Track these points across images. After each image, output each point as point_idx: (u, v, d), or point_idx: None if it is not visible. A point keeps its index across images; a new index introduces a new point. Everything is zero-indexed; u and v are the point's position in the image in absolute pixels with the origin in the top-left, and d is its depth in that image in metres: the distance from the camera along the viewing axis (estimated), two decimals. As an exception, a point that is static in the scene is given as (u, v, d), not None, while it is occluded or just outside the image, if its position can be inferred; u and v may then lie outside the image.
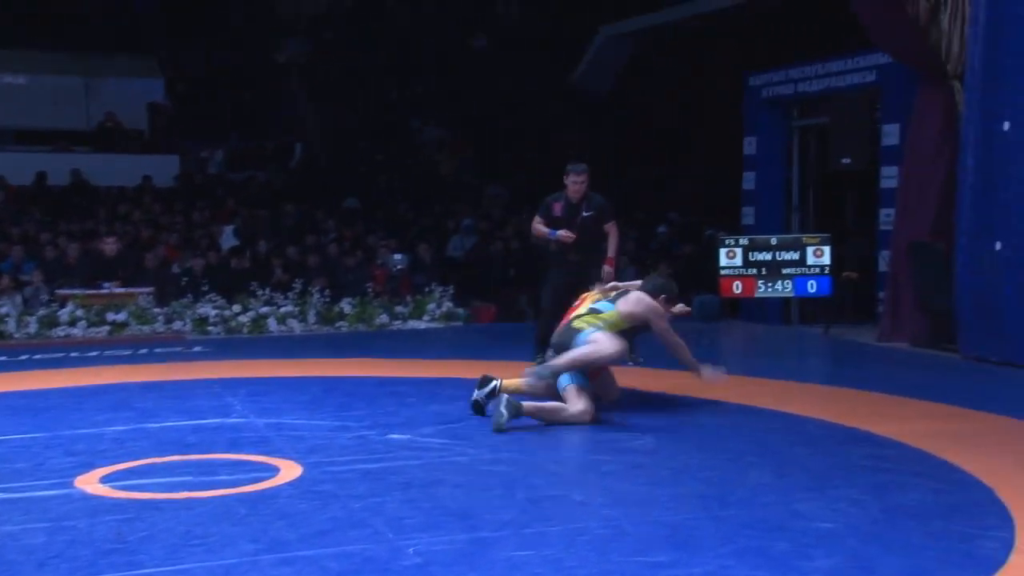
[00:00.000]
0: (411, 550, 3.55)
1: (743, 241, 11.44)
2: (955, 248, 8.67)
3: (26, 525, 3.85)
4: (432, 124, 18.66)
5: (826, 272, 11.01)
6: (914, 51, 9.38)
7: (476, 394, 5.94)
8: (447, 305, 11.40)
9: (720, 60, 17.33)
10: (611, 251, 7.73)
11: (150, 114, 17.65)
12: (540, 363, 6.73)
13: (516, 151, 18.11)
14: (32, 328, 10.25)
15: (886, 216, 10.37)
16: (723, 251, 11.48)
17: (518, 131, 19.03)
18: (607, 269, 7.55)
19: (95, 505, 4.15)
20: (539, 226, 7.74)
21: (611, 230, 7.74)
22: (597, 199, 7.67)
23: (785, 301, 11.71)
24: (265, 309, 10.86)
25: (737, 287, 11.38)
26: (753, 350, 10.24)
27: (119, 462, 4.90)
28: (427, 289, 11.66)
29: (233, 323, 10.74)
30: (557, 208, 7.66)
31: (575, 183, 7.56)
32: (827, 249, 11.00)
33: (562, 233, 7.54)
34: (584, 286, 6.92)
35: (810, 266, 11.04)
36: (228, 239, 13.44)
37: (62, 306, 10.53)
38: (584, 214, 7.61)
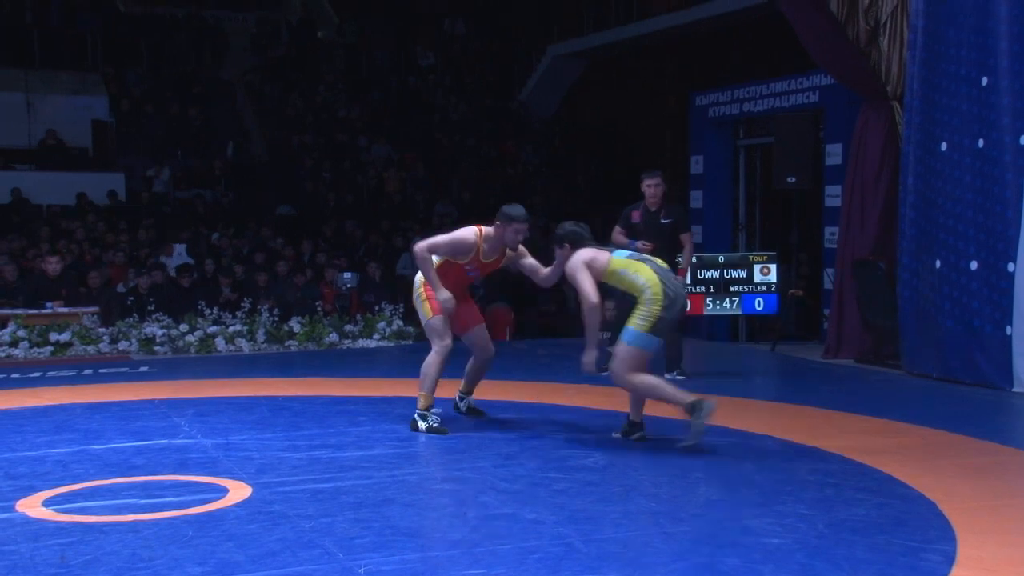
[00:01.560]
0: (361, 570, 3.53)
1: (692, 260, 11.49)
2: (897, 266, 8.84)
3: (-34, 551, 3.76)
4: (380, 142, 18.62)
5: (773, 290, 11.14)
6: (855, 73, 9.58)
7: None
8: (397, 323, 11.36)
9: (667, 80, 17.59)
10: (684, 262, 7.91)
11: (94, 131, 17.38)
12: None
13: (464, 169, 18.15)
14: (-29, 349, 10.02)
15: (830, 234, 10.54)
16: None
17: (466, 149, 19.10)
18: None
19: (37, 529, 4.07)
20: (619, 236, 7.85)
21: (686, 240, 7.87)
22: (676, 207, 7.83)
23: (733, 318, 11.82)
24: (213, 328, 10.74)
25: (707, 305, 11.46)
26: (702, 367, 10.31)
27: (62, 485, 4.81)
28: (377, 308, 11.61)
29: (180, 343, 10.60)
30: (636, 216, 7.80)
31: (649, 187, 7.71)
32: (774, 267, 11.13)
33: (640, 244, 7.58)
34: None
35: (757, 284, 11.17)
36: (178, 258, 13.29)
37: (2, 326, 10.32)
38: (663, 221, 7.74)
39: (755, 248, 11.98)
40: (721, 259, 11.36)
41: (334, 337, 11.06)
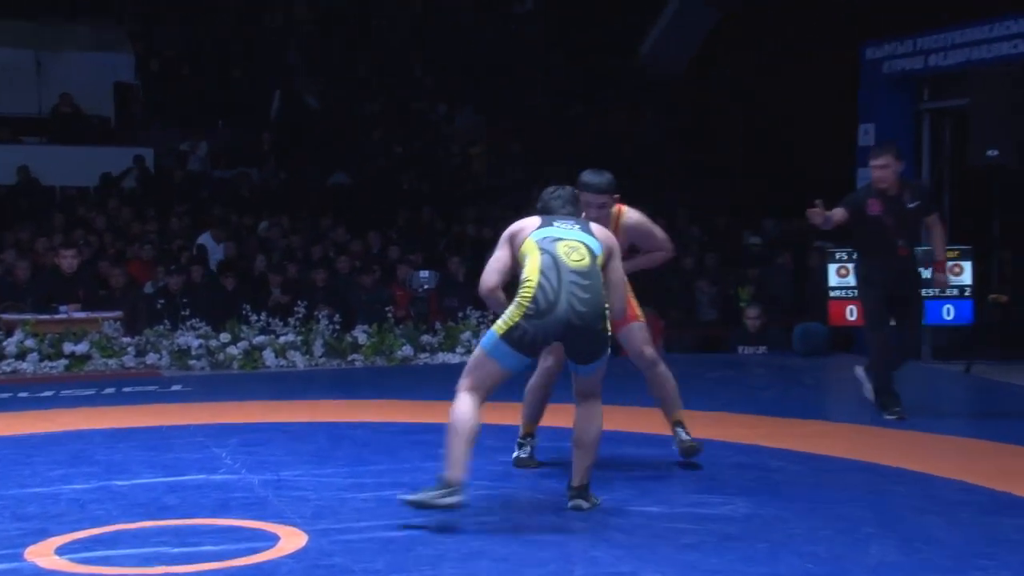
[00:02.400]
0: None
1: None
2: None
3: (-32, 605, 3.91)
4: (464, 110, 18.75)
5: (967, 294, 10.88)
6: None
7: None
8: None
9: (829, 27, 17.29)
10: (940, 252, 7.85)
11: (117, 97, 17.85)
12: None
13: (570, 142, 18.15)
14: (-29, 362, 10.41)
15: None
16: (832, 268, 11.40)
17: (572, 118, 19.09)
18: (940, 278, 7.88)
19: (51, 581, 4.20)
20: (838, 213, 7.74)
21: (934, 225, 7.77)
22: (919, 185, 7.78)
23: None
24: (260, 339, 10.95)
25: (850, 313, 11.29)
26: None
27: (79, 529, 4.95)
28: (461, 314, 11.69)
29: (221, 356, 10.84)
30: (874, 207, 7.62)
31: (876, 168, 7.59)
32: (968, 265, 10.88)
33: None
34: (910, 296, 7.49)
35: (945, 286, 10.94)
36: (215, 252, 13.61)
37: (8, 334, 10.69)
38: (909, 206, 7.61)
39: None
40: (898, 255, 11.12)
41: (408, 351, 11.18)
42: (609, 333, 5.17)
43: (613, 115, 19.23)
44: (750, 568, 4.32)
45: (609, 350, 5.20)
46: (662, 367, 6.13)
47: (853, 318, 11.33)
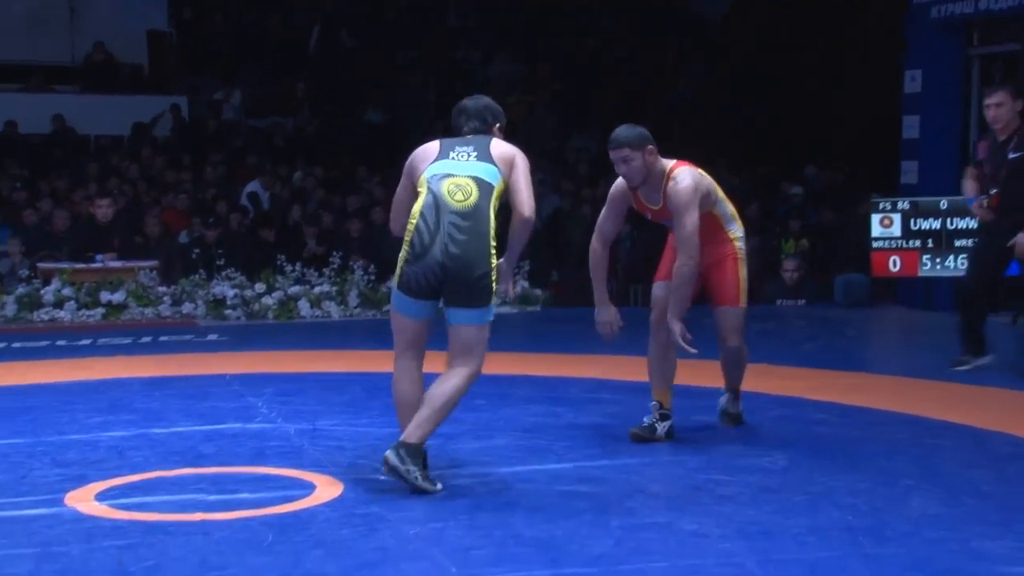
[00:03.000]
0: (479, 588, 3.60)
1: (902, 205, 11.27)
2: None
3: (9, 551, 3.98)
4: (501, 56, 18.65)
5: (1013, 244, 10.79)
6: None
7: None
8: (522, 285, 11.44)
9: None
10: None
11: (150, 45, 17.89)
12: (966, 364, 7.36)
13: (607, 92, 18.04)
14: (10, 310, 10.54)
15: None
16: (876, 218, 11.32)
17: (613, 63, 18.96)
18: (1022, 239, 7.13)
19: (90, 527, 4.27)
20: (969, 182, 7.46)
21: None
22: None
23: (958, 282, 11.51)
24: (295, 289, 11.02)
25: (894, 264, 11.22)
26: (914, 344, 10.11)
27: (118, 475, 5.03)
28: (496, 265, 11.70)
29: (256, 306, 10.92)
30: (982, 150, 7.32)
31: (989, 108, 7.20)
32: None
33: (976, 207, 7.37)
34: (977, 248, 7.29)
35: (992, 237, 10.85)
36: (264, 200, 13.64)
37: (46, 283, 10.80)
38: (1012, 155, 7.16)
39: (991, 191, 11.60)
40: (943, 204, 11.06)
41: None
42: (494, 286, 4.78)
43: (655, 58, 19.06)
44: (788, 520, 4.33)
45: (491, 309, 4.81)
46: (742, 355, 5.86)
47: (896, 269, 11.27)
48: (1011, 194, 7.13)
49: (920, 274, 11.20)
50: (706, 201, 5.53)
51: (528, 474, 5.03)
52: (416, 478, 4.61)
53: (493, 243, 4.75)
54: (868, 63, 16.69)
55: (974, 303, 7.48)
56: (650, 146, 5.45)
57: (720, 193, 5.67)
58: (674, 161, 5.57)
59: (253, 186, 13.97)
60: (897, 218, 11.20)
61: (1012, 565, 3.84)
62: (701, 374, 7.04)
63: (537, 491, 4.75)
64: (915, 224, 11.10)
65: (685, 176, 5.47)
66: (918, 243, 11.11)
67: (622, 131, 5.51)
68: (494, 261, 4.76)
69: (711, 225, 5.57)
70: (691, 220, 5.41)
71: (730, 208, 5.71)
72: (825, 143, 16.96)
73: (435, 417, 4.72)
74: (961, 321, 7.64)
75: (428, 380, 4.89)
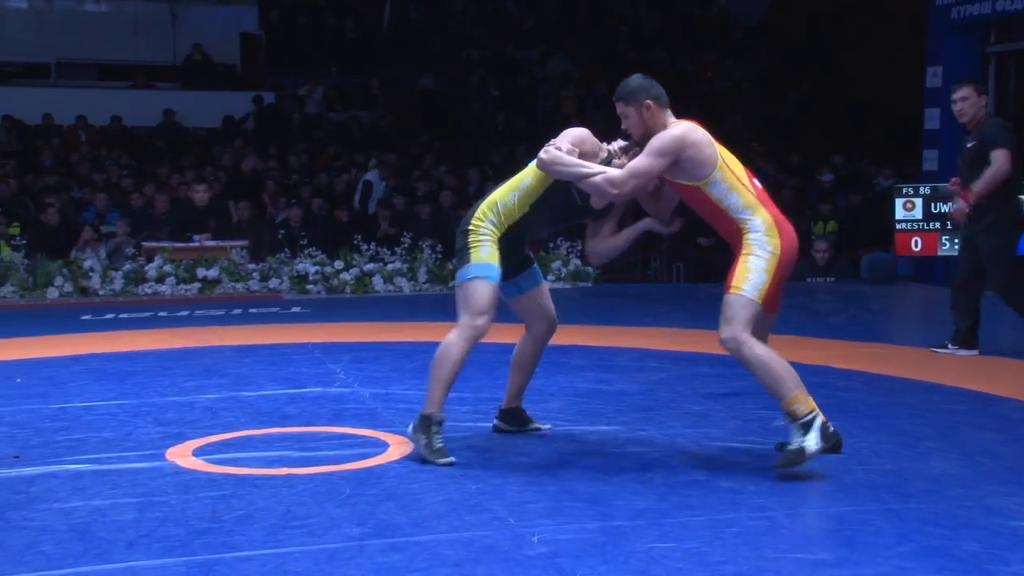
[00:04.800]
0: (535, 538, 3.60)
1: (924, 190, 11.11)
2: None
3: (115, 500, 4.03)
4: (557, 55, 18.58)
5: (1025, 227, 10.61)
6: None
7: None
8: (575, 263, 11.41)
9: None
10: (980, 183, 6.84)
11: (243, 46, 18.02)
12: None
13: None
14: (118, 284, 10.68)
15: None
16: (899, 202, 11.17)
17: (657, 63, 18.82)
18: (957, 209, 7.04)
19: (188, 480, 4.32)
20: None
21: (996, 158, 6.81)
22: (989, 124, 6.95)
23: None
24: (370, 266, 11.07)
25: (916, 244, 11.09)
26: (934, 318, 9.95)
27: (212, 433, 5.09)
28: (552, 245, 11.68)
29: (335, 281, 10.98)
30: (966, 141, 7.13)
31: (955, 102, 7.05)
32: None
33: (953, 192, 7.25)
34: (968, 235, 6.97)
35: (1005, 219, 10.68)
36: (378, 187, 13.67)
37: (149, 261, 10.93)
38: (968, 144, 7.06)
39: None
40: (962, 190, 10.90)
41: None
42: (469, 250, 4.55)
43: (694, 59, 18.95)
44: (818, 478, 4.28)
45: (470, 268, 4.53)
46: (742, 356, 4.34)
47: (918, 248, 11.13)
48: (968, 180, 7.02)
49: (939, 253, 11.05)
50: (694, 170, 4.36)
51: (580, 435, 5.02)
52: (421, 447, 4.53)
53: (488, 211, 4.62)
54: (892, 60, 16.46)
55: (959, 291, 7.18)
56: (647, 100, 4.51)
57: (731, 178, 4.38)
58: (687, 122, 4.48)
59: (371, 176, 14.00)
60: (919, 202, 11.07)
61: (1020, 519, 3.78)
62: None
63: (588, 451, 4.75)
64: (935, 207, 10.96)
65: (678, 127, 4.45)
66: (938, 225, 10.97)
67: (621, 84, 4.67)
68: (479, 224, 4.59)
69: (707, 208, 4.44)
70: (648, 163, 4.37)
71: (743, 199, 4.38)
72: (852, 134, 16.75)
73: (432, 385, 4.59)
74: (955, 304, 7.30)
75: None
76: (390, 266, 11.12)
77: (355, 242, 11.25)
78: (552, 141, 4.62)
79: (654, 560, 3.41)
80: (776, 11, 20.22)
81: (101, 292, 10.64)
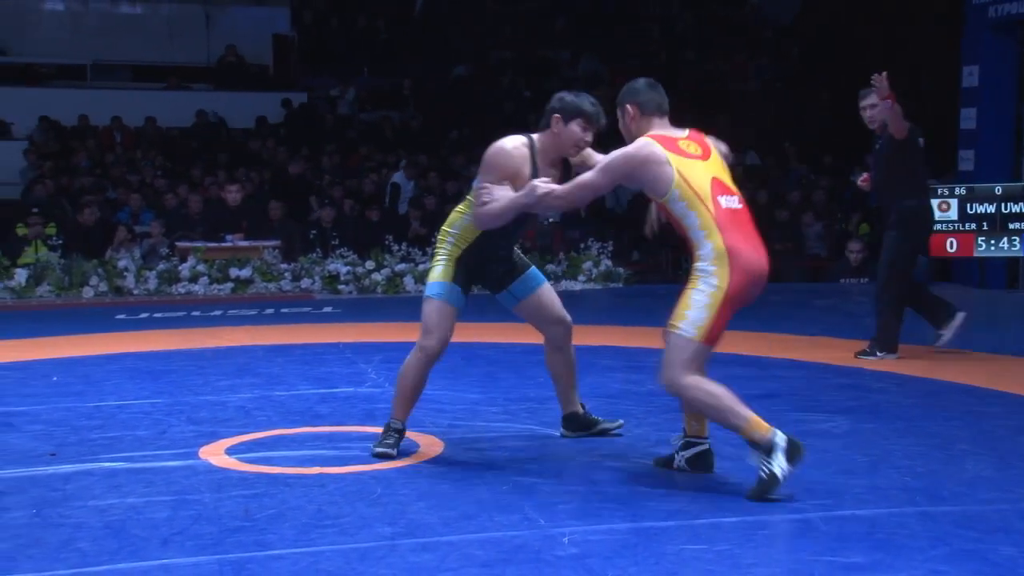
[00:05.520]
0: (566, 539, 3.59)
1: (959, 191, 11.02)
2: None
3: (149, 498, 4.07)
4: (587, 55, 18.56)
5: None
6: None
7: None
8: (605, 264, 11.40)
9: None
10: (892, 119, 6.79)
11: (275, 47, 18.11)
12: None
13: (685, 87, 17.86)
14: (152, 284, 10.76)
15: None
16: (934, 203, 11.06)
17: (687, 63, 18.77)
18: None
19: (220, 478, 4.34)
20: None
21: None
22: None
23: (1011, 262, 11.25)
24: (401, 266, 11.09)
25: (951, 245, 10.99)
26: (968, 320, 9.89)
27: (245, 432, 5.11)
28: (583, 245, 11.67)
29: (366, 281, 11.02)
30: None
31: (864, 109, 7.12)
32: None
33: (864, 188, 7.41)
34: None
35: (1043, 220, 10.61)
36: (406, 188, 13.73)
37: (182, 260, 11.01)
38: (877, 147, 7.17)
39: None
40: (998, 190, 10.82)
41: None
42: (430, 269, 4.76)
43: (725, 59, 18.88)
44: (849, 480, 4.26)
45: (431, 285, 4.69)
46: (685, 396, 4.18)
47: (953, 250, 11.04)
48: (878, 181, 7.09)
49: (975, 255, 10.96)
50: (652, 187, 4.18)
51: (611, 436, 5.01)
52: (376, 445, 4.65)
53: (449, 229, 4.72)
54: (926, 59, 16.33)
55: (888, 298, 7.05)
56: (628, 105, 4.36)
57: (689, 196, 4.11)
58: (644, 139, 4.24)
59: (398, 177, 14.04)
60: (954, 203, 10.96)
61: (1060, 526, 3.74)
62: (758, 344, 6.98)
63: (619, 452, 4.74)
64: (971, 208, 10.86)
65: (635, 143, 4.24)
66: (974, 226, 10.87)
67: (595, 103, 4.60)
68: (440, 243, 4.76)
69: (675, 223, 4.22)
70: (593, 178, 4.27)
71: (700, 219, 4.10)
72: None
73: (395, 398, 4.74)
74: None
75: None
76: (421, 266, 11.14)
77: (386, 242, 11.28)
78: (477, 189, 4.58)
79: (685, 562, 3.40)
80: (808, 10, 20.11)
81: (135, 292, 10.73)
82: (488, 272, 4.78)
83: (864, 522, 3.76)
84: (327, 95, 17.40)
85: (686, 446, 4.40)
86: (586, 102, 4.62)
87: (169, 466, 4.51)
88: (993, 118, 11.71)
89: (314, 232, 11.81)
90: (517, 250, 4.92)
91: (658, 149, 4.17)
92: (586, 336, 7.98)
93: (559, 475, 4.36)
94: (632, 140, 4.32)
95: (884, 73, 6.77)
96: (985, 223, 10.83)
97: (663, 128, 4.34)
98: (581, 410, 5.01)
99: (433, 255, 4.75)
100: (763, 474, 3.97)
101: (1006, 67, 11.71)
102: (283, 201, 12.36)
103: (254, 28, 18.11)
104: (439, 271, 4.67)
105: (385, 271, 11.06)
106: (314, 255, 11.22)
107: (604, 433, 4.99)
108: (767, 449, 3.96)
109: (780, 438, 3.97)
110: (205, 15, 18.01)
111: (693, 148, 4.27)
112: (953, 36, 12.59)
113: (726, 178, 4.29)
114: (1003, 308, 10.16)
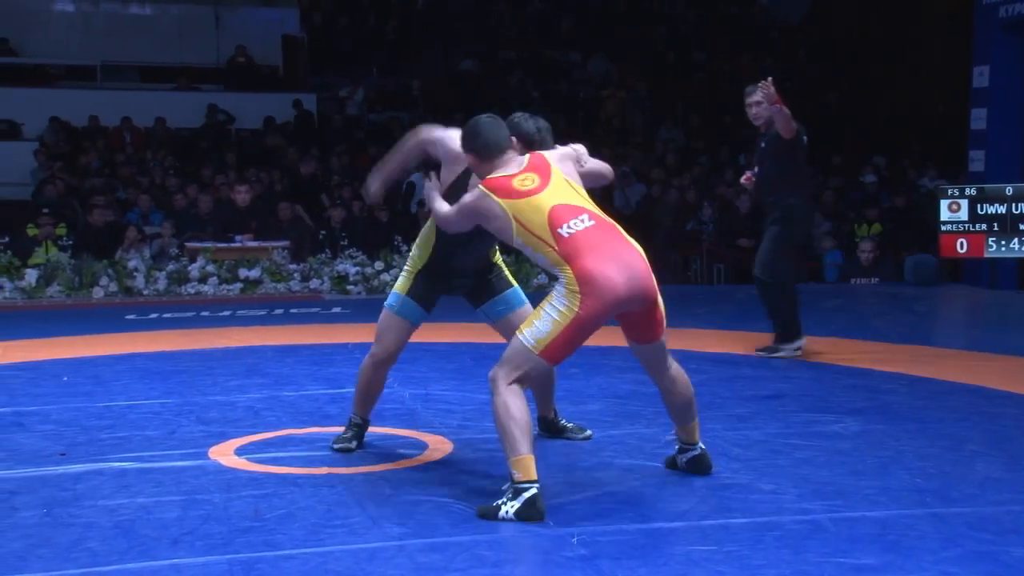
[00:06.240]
0: (575, 540, 3.59)
1: (970, 191, 10.99)
2: None
3: (159, 498, 4.07)
4: (596, 56, 18.56)
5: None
6: None
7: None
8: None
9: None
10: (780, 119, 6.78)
11: (284, 48, 18.13)
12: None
13: (693, 87, 17.85)
14: (161, 284, 10.78)
15: None
16: (944, 203, 11.06)
17: (695, 64, 18.76)
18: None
19: (230, 478, 4.35)
20: None
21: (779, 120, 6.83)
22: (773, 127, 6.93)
23: (1022, 263, 11.23)
24: (410, 267, 11.09)
25: (961, 246, 10.96)
26: (978, 320, 9.86)
27: (254, 432, 5.12)
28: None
29: (375, 282, 11.02)
30: None
31: (750, 107, 7.08)
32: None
33: (747, 187, 7.49)
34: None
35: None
36: (420, 189, 13.71)
37: (192, 261, 11.03)
38: (761, 145, 7.19)
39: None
40: (1009, 191, 10.80)
41: (543, 279, 11.21)
42: (400, 278, 4.82)
43: (733, 60, 18.86)
44: (860, 481, 4.25)
45: (390, 295, 4.82)
46: (496, 408, 3.94)
47: (963, 250, 11.02)
48: (761, 177, 7.11)
49: (986, 255, 10.93)
50: (500, 234, 4.20)
51: (620, 437, 5.01)
52: (335, 439, 4.81)
53: (416, 243, 4.79)
54: (935, 60, 16.31)
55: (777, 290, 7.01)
56: (467, 153, 4.28)
57: (532, 241, 4.02)
58: (479, 190, 4.15)
59: (415, 177, 14.02)
60: (964, 203, 10.93)
61: (1072, 528, 3.73)
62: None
63: (628, 453, 4.73)
64: (982, 209, 10.84)
65: (471, 194, 4.21)
66: (984, 227, 10.84)
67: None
68: (410, 256, 4.82)
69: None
70: (454, 216, 4.30)
71: (548, 258, 4.00)
72: (894, 135, 16.61)
73: (354, 394, 4.92)
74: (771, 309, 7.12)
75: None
76: (430, 267, 11.13)
77: (395, 243, 11.28)
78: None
79: (694, 563, 3.39)
80: (816, 11, 20.09)
81: (145, 292, 10.75)
82: (453, 286, 4.76)
83: (874, 523, 3.75)
84: (336, 96, 17.41)
85: (681, 451, 4.39)
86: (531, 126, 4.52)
87: (179, 466, 4.52)
88: (1004, 118, 11.66)
89: (323, 233, 11.82)
90: (501, 269, 4.84)
91: (492, 202, 4.06)
92: (595, 337, 7.97)
93: (568, 476, 4.36)
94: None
95: (770, 79, 6.74)
96: (996, 224, 10.80)
97: (503, 167, 4.17)
98: (553, 415, 5.04)
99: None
100: (496, 502, 3.82)
101: (1017, 67, 11.65)
102: (296, 201, 12.35)
103: (264, 29, 18.13)
104: (399, 283, 4.79)
105: (394, 272, 11.06)
106: (323, 256, 11.23)
107: (569, 439, 4.97)
108: (515, 491, 3.79)
109: (531, 493, 3.76)
110: (215, 16, 18.02)
111: (529, 182, 4.09)
112: (963, 36, 12.55)
113: (570, 197, 4.09)
114: (1014, 309, 10.13)
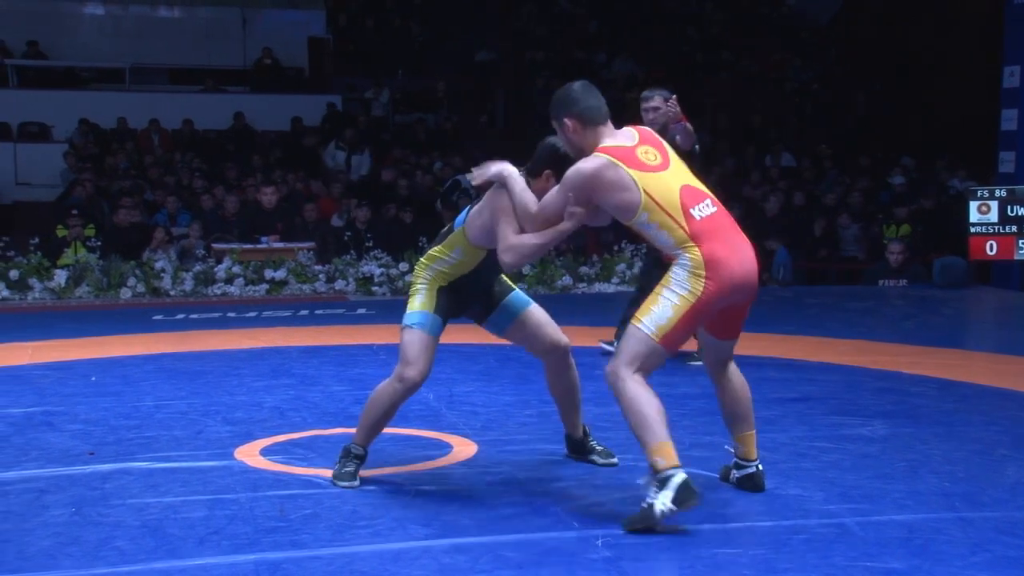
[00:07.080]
0: (599, 542, 3.59)
1: (1000, 193, 10.91)
2: None
3: (186, 497, 4.10)
4: (622, 57, 18.54)
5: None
6: None
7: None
8: (639, 266, 11.36)
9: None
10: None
11: (310, 50, 18.20)
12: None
13: (718, 88, 17.80)
14: (188, 285, 10.84)
15: None
16: (974, 205, 10.98)
17: (723, 64, 18.70)
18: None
19: (256, 479, 4.37)
20: None
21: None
22: (678, 131, 6.83)
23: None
24: (435, 268, 11.12)
25: (991, 248, 10.88)
26: (1008, 322, 9.78)
27: (280, 433, 5.15)
28: (617, 247, 11.64)
29: (400, 283, 11.04)
30: None
31: (647, 111, 7.02)
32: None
33: None
34: None
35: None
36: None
37: (218, 262, 11.09)
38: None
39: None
40: (1039, 193, 10.71)
41: (567, 280, 11.21)
42: (409, 297, 4.42)
43: (761, 60, 18.80)
44: (888, 485, 4.23)
45: (409, 314, 4.36)
46: (619, 395, 3.92)
47: (992, 252, 10.93)
48: None
49: (1016, 258, 10.85)
50: (616, 213, 3.93)
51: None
52: (335, 473, 4.32)
53: (430, 262, 4.40)
54: (965, 60, 16.21)
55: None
56: (565, 119, 3.97)
57: (660, 217, 3.83)
58: (602, 158, 3.86)
59: (460, 176, 14.10)
60: (994, 205, 10.85)
61: (1102, 533, 3.70)
62: (794, 347, 6.92)
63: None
64: (1012, 211, 10.75)
65: (590, 162, 3.86)
66: (1014, 228, 10.77)
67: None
68: (420, 272, 4.41)
69: (642, 236, 4.02)
70: (557, 200, 3.93)
71: (674, 237, 3.82)
72: (923, 136, 16.53)
73: (360, 424, 4.38)
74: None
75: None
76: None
77: (420, 244, 11.29)
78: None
79: (720, 566, 3.39)
80: (846, 11, 20.00)
81: (172, 293, 10.81)
82: (469, 309, 4.52)
83: (902, 527, 3.73)
84: (362, 97, 17.46)
85: (738, 466, 4.23)
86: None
87: (205, 466, 4.55)
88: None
89: (348, 234, 11.86)
90: (502, 278, 4.62)
91: (622, 172, 3.81)
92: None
93: (592, 478, 4.36)
94: (581, 155, 3.91)
95: (675, 96, 6.73)
96: (1026, 225, 10.73)
97: (613, 137, 3.94)
98: (580, 434, 4.68)
99: (411, 287, 4.42)
100: (645, 504, 3.66)
101: (1048, 67, 11.56)
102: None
103: (290, 31, 18.21)
104: (420, 300, 4.33)
105: (419, 273, 11.10)
106: (348, 257, 11.27)
107: (593, 463, 4.60)
108: (661, 481, 3.64)
109: (679, 478, 3.62)
110: (242, 18, 18.13)
111: (652, 157, 3.89)
112: (994, 36, 12.47)
113: (692, 179, 3.94)
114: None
